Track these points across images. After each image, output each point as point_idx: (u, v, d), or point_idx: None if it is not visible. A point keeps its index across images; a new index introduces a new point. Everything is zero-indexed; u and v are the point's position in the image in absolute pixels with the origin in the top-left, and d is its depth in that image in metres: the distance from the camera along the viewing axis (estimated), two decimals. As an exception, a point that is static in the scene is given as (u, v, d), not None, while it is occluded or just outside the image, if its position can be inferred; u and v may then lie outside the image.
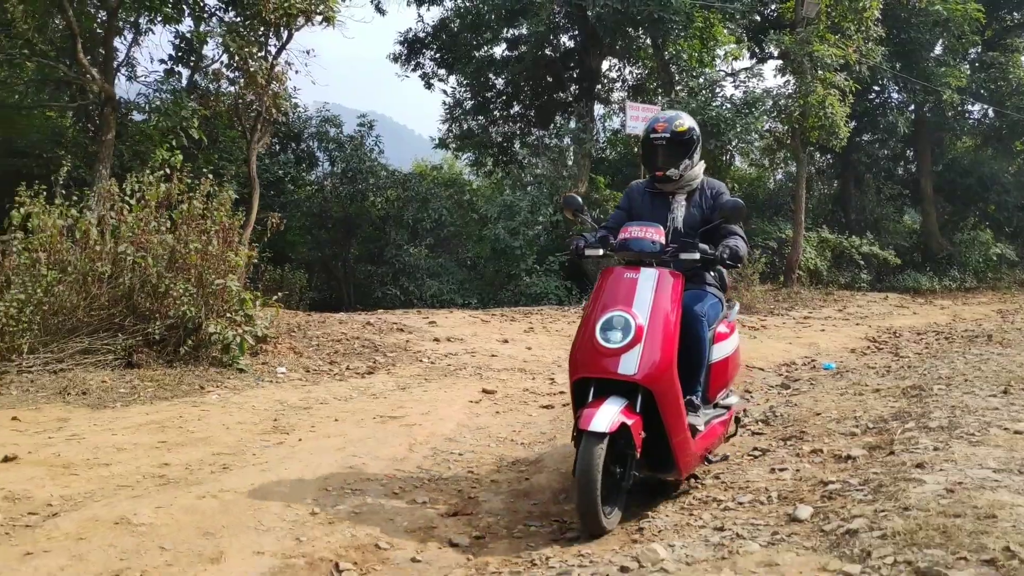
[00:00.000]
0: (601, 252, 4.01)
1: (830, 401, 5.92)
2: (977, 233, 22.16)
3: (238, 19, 11.67)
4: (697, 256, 3.84)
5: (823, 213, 22.46)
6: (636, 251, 3.78)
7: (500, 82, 20.17)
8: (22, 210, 7.22)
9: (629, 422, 3.38)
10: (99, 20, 11.03)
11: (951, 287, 19.96)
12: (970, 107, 22.85)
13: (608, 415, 3.32)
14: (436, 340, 9.03)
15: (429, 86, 20.66)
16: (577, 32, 18.07)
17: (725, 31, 16.49)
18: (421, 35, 20.34)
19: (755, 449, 4.76)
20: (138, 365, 6.71)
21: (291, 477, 4.07)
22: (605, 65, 19.50)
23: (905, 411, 5.04)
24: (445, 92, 20.77)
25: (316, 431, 5.07)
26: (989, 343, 8.83)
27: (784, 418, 5.60)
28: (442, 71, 20.70)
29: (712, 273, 4.26)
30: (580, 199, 4.25)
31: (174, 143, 10.84)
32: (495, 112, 20.65)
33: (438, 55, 20.59)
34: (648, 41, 16.54)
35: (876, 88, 21.52)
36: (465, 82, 19.89)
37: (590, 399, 3.50)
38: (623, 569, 2.91)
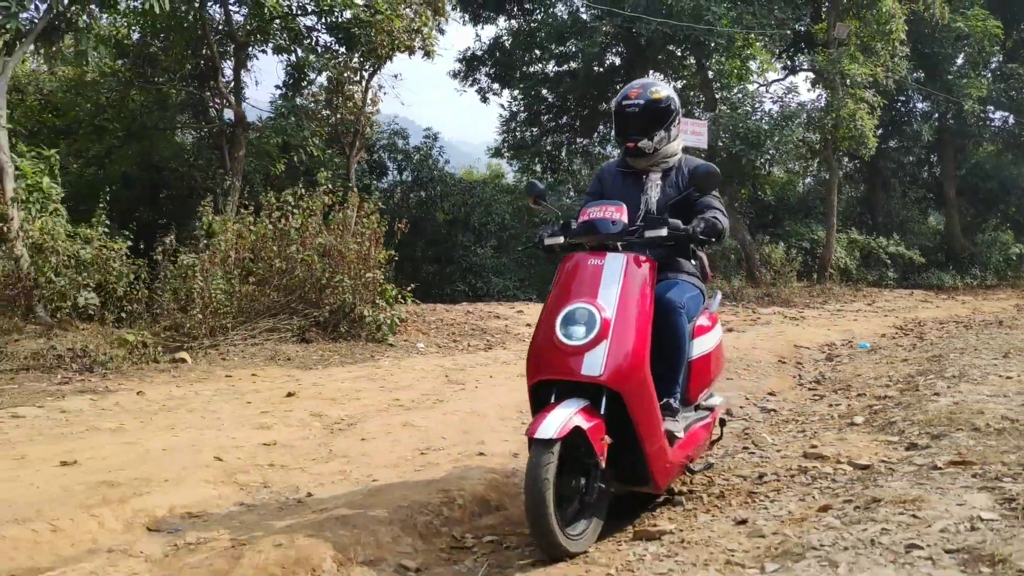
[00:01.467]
0: (562, 240, 3.54)
1: (867, 367, 7.56)
2: (998, 234, 23.60)
3: (342, 49, 13.42)
4: (664, 231, 3.32)
5: (852, 215, 23.96)
6: (598, 233, 3.35)
7: (550, 96, 21.89)
8: (204, 220, 9.09)
9: (585, 425, 2.95)
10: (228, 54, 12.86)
11: (972, 284, 21.40)
12: (991, 115, 24.27)
13: (558, 419, 2.88)
14: (528, 325, 10.75)
15: (485, 100, 22.44)
16: (624, 50, 19.71)
17: (761, 48, 18.05)
18: (478, 53, 22.09)
19: (814, 395, 6.43)
20: (310, 341, 8.48)
21: (490, 403, 5.76)
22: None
23: (927, 370, 6.68)
24: (502, 106, 22.50)
25: (481, 383, 6.78)
26: (999, 327, 10.40)
27: (832, 379, 7.25)
28: (496, 85, 22.49)
29: (692, 261, 3.82)
30: (541, 185, 3.89)
31: (295, 159, 12.64)
32: (546, 123, 22.40)
33: (492, 71, 22.37)
34: (692, 60, 18.15)
35: (902, 98, 22.99)
36: (520, 96, 21.63)
37: (552, 402, 3.07)
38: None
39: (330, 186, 9.95)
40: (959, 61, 22.55)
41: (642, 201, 3.71)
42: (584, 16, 19.50)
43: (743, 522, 3.18)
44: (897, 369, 7.20)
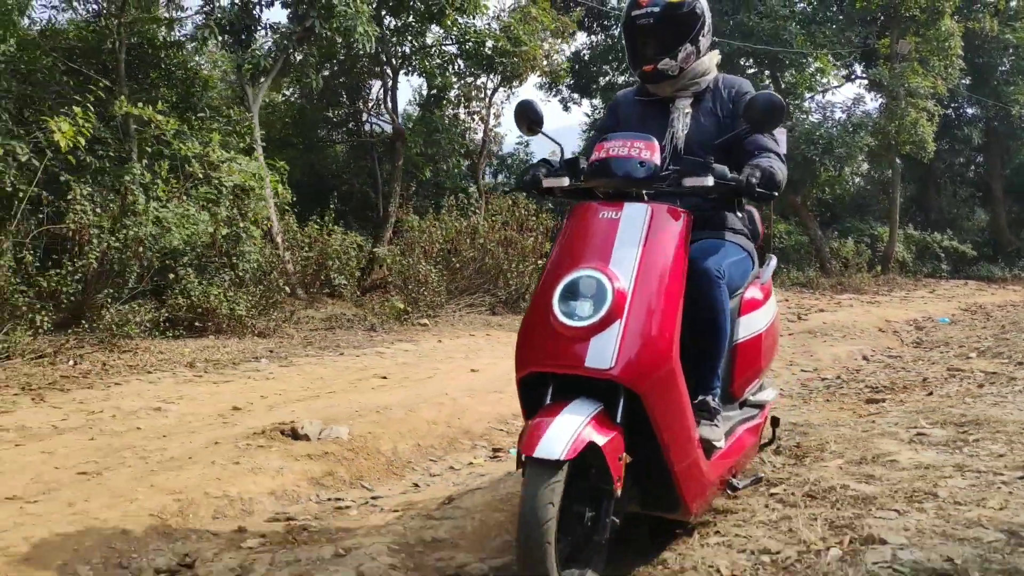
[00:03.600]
0: (567, 182, 2.65)
1: (955, 332, 9.63)
2: (1042, 229, 25.36)
3: (472, 70, 15.59)
4: (710, 181, 2.44)
5: (907, 212, 25.79)
6: (618, 177, 2.46)
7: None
8: (408, 220, 11.38)
9: (601, 440, 2.15)
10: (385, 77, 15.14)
11: (1021, 276, 23.20)
12: (1037, 118, 25.99)
13: (566, 431, 2.10)
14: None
15: (567, 109, 24.59)
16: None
17: (829, 62, 20.00)
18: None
19: (923, 349, 8.49)
20: (498, 314, 10.67)
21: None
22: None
23: (1009, 328, 8.73)
24: (586, 114, 24.66)
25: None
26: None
27: (930, 340, 9.30)
28: (576, 95, 24.61)
29: (738, 214, 2.78)
30: (537, 105, 2.85)
31: (442, 167, 14.88)
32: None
33: (572, 82, 24.49)
34: (767, 73, 20.18)
35: (953, 104, 24.80)
36: (600, 105, 23.76)
37: (547, 403, 2.28)
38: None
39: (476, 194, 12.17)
40: (1006, 69, 24.32)
41: (667, 135, 2.84)
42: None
43: (931, 393, 5.27)
44: (980, 332, 9.25)
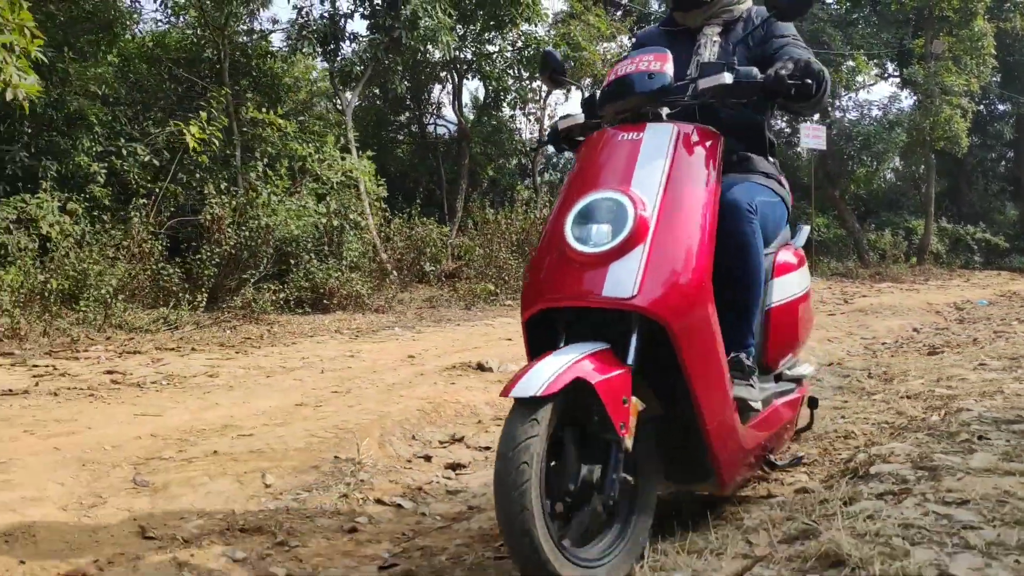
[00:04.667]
0: (583, 119, 2.51)
1: (995, 311, 10.54)
2: (1071, 222, 26.02)
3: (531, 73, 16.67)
4: (728, 78, 2.18)
5: (938, 206, 26.54)
6: (628, 95, 2.23)
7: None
8: (482, 214, 12.47)
9: (594, 376, 1.82)
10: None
11: (1052, 267, 23.93)
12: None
13: (550, 368, 1.79)
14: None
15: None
16: (739, 65, 22.74)
17: (864, 62, 20.87)
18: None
19: (966, 324, 9.42)
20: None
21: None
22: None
23: (1045, 306, 9.65)
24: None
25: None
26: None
27: (973, 317, 10.22)
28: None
29: (770, 159, 2.67)
30: (557, 55, 2.74)
31: (503, 165, 15.96)
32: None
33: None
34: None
35: (985, 101, 25.54)
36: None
37: (561, 345, 1.98)
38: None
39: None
40: (1036, 66, 25.03)
41: (693, 65, 2.61)
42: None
43: (982, 348, 6.23)
44: (1018, 311, 10.17)
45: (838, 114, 20.16)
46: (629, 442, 1.87)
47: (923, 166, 22.06)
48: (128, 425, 3.69)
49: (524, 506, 1.69)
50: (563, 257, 2.01)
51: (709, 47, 2.65)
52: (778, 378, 2.70)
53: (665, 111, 2.32)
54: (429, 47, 11.90)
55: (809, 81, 2.21)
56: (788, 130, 21.95)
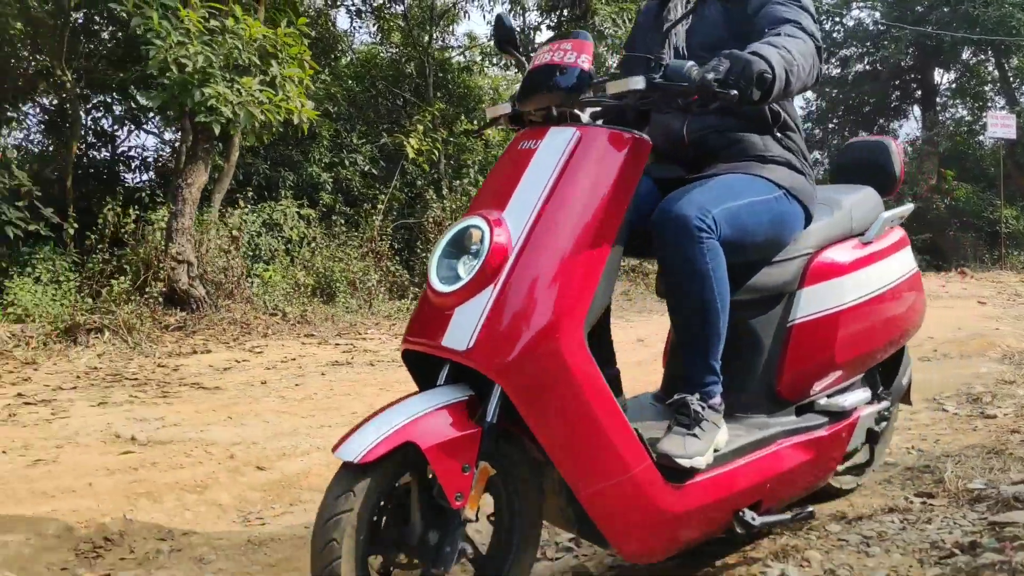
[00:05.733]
0: (509, 109, 2.04)
1: None
2: None
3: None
4: (639, 83, 1.73)
5: None
6: (537, 93, 1.88)
7: (836, 94, 24.55)
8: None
9: (428, 439, 1.60)
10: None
11: None
12: None
13: (383, 425, 1.61)
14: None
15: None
16: (916, 52, 22.07)
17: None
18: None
19: None
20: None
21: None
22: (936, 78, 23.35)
23: None
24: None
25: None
26: None
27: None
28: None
29: (777, 134, 2.16)
30: (508, 19, 2.18)
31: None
32: (831, 120, 25.12)
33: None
34: (991, 59, 20.30)
35: None
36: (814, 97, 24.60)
37: (441, 382, 1.79)
38: None
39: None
40: None
41: (671, 38, 2.20)
42: (871, 27, 22.19)
43: None
44: None
45: (1026, 101, 19.27)
46: (471, 513, 1.64)
47: None
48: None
49: None
50: (425, 294, 1.81)
51: (703, 22, 2.18)
52: (808, 409, 2.26)
53: (590, 111, 1.94)
54: (616, 56, 12.61)
55: (737, 93, 1.70)
56: (970, 118, 21.19)
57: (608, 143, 1.80)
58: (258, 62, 7.01)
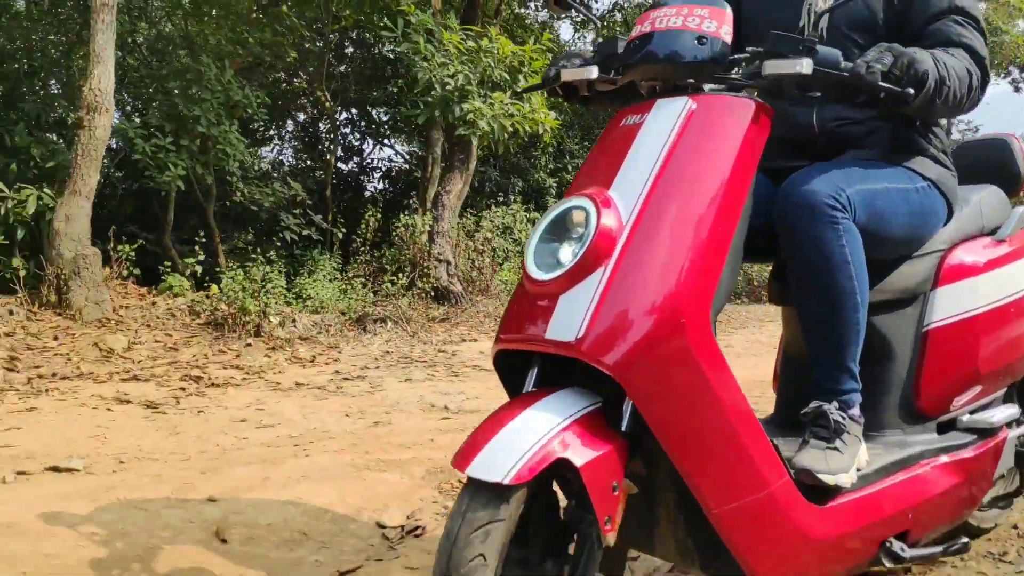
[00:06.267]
0: (595, 74, 1.74)
1: None
2: None
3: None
4: (806, 67, 1.48)
5: None
6: (659, 59, 1.57)
7: None
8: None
9: (579, 457, 1.35)
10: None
11: None
12: None
13: (523, 439, 1.34)
14: None
15: (1018, 90, 23.40)
16: None
17: None
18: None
19: None
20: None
21: None
22: None
23: None
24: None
25: None
26: None
27: None
28: None
29: (921, 130, 1.93)
30: None
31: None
32: None
33: None
34: None
35: None
36: None
37: (530, 387, 1.54)
38: None
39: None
40: None
41: (805, 11, 1.92)
42: None
43: None
44: None
45: None
46: (612, 539, 1.38)
47: None
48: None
49: None
50: (522, 286, 1.56)
51: None
52: (950, 427, 2.01)
53: (708, 88, 1.66)
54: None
55: (911, 91, 1.52)
56: None
57: (727, 110, 1.56)
58: (508, 77, 7.65)
